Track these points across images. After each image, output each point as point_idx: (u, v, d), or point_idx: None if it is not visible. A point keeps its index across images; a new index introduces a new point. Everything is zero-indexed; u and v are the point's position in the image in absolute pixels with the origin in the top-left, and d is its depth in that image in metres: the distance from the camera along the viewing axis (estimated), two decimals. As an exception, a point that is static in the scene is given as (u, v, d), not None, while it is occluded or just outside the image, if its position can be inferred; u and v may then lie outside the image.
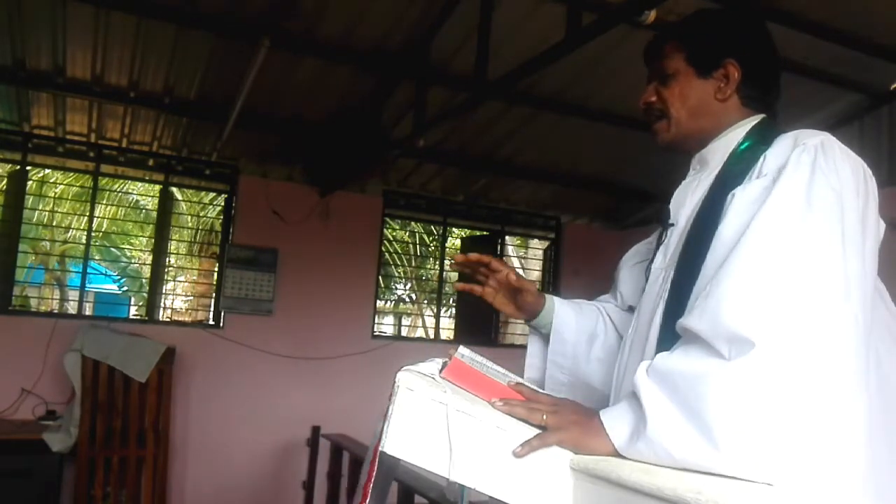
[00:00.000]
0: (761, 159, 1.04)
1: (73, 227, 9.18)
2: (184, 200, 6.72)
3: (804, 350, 0.84)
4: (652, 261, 1.21)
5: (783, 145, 1.03)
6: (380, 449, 0.89)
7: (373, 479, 0.95)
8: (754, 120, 1.16)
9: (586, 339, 1.38)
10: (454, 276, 6.71)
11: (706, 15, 1.24)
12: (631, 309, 1.33)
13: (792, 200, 0.94)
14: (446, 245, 6.72)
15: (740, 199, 1.02)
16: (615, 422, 0.95)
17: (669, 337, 1.01)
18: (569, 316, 1.38)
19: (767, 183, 0.99)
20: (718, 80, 1.16)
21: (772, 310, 0.86)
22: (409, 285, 12.93)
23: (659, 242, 1.22)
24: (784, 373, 0.83)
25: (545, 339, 1.40)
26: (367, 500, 0.95)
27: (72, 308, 8.93)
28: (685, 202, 1.18)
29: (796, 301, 0.87)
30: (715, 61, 1.16)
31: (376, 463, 0.95)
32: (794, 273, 0.88)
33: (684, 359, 0.91)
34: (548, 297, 1.39)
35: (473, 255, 1.34)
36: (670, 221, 1.20)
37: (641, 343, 1.14)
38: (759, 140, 1.09)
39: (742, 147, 1.12)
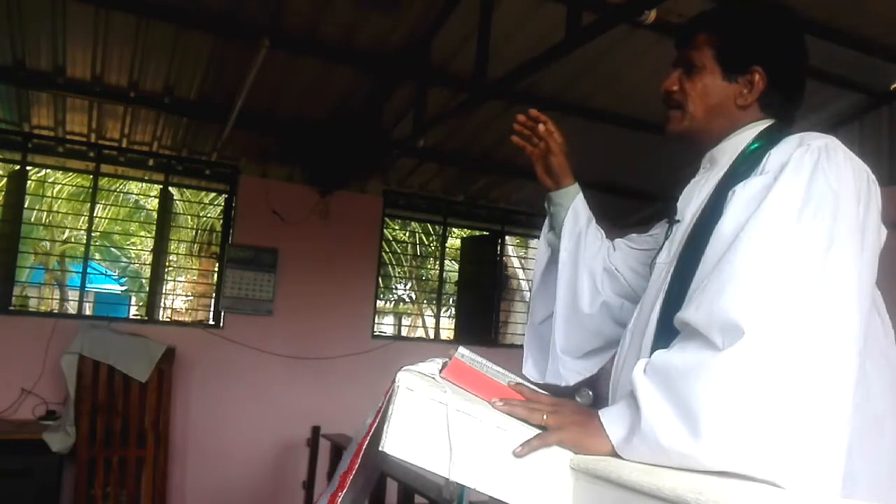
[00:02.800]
0: (765, 158, 1.05)
1: (72, 227, 9.18)
2: (184, 200, 6.71)
3: (794, 344, 0.85)
4: (657, 256, 1.23)
5: (787, 145, 1.04)
6: (381, 448, 0.89)
7: (353, 473, 0.95)
8: (767, 122, 1.16)
9: (587, 238, 1.45)
10: (454, 275, 6.71)
11: (744, 14, 1.21)
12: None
13: (791, 198, 0.95)
14: (446, 245, 6.72)
15: (740, 196, 1.03)
16: (614, 421, 0.95)
17: (667, 329, 1.02)
18: (584, 212, 1.47)
19: (768, 181, 1.00)
20: (742, 86, 1.16)
21: (766, 302, 0.87)
22: (408, 285, 12.93)
23: (665, 238, 1.24)
24: (773, 364, 0.84)
25: (556, 226, 1.50)
26: (344, 491, 0.95)
27: (72, 308, 8.94)
28: (692, 199, 1.20)
29: (790, 296, 0.87)
30: (743, 66, 1.15)
31: (359, 458, 0.95)
32: (790, 269, 0.89)
33: (680, 353, 0.92)
34: (577, 184, 1.47)
35: (533, 112, 1.47)
36: (676, 218, 1.22)
37: (640, 334, 1.15)
38: (769, 142, 1.10)
39: (751, 148, 1.13)
